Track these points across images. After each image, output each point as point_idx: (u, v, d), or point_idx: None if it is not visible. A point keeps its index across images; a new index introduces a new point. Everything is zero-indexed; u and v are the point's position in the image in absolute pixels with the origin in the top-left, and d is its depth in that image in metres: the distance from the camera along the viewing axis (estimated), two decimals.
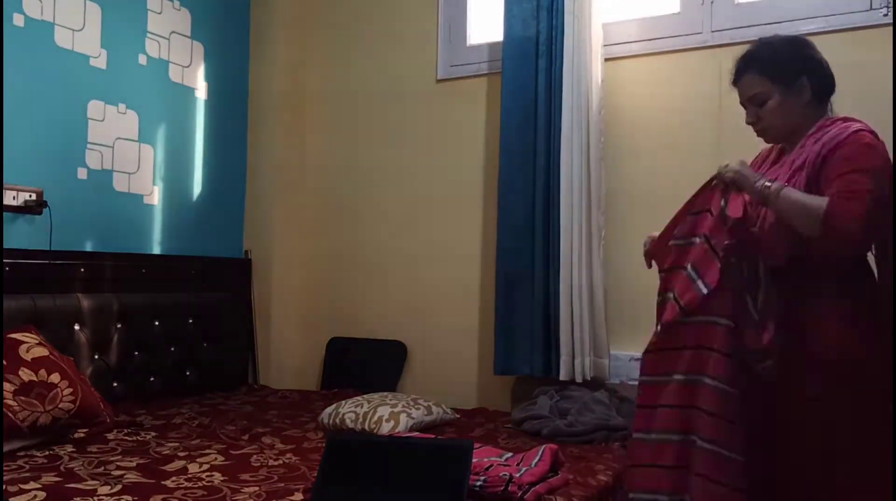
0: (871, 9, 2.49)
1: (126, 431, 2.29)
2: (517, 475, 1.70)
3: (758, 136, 1.85)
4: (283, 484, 1.79)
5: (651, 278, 2.78)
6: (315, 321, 3.53)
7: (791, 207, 1.61)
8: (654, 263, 1.87)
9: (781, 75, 1.74)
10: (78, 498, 1.64)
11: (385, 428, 2.32)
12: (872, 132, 1.66)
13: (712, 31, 2.74)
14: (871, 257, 1.73)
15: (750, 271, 1.68)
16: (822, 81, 1.76)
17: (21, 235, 2.57)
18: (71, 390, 2.17)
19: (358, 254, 3.46)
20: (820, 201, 1.57)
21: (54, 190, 2.66)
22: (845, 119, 1.72)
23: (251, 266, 3.47)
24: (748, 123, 1.83)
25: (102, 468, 1.89)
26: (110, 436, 2.22)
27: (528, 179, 2.87)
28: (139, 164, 3.03)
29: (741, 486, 1.59)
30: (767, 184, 1.64)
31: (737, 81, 1.82)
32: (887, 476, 1.57)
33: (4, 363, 2.10)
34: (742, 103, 1.84)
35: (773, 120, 1.77)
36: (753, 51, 1.80)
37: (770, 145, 1.92)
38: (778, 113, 1.76)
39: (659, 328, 1.72)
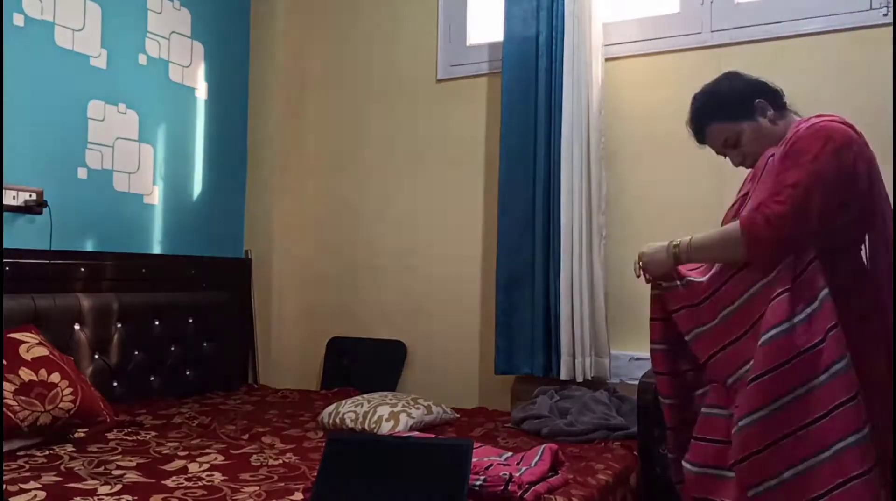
0: (871, 9, 2.49)
1: (126, 431, 2.29)
2: (517, 474, 1.70)
3: (748, 168, 1.87)
4: (283, 484, 1.79)
5: None
6: (315, 321, 3.54)
7: (709, 248, 1.69)
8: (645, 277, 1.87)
9: (739, 110, 1.79)
10: (78, 498, 1.64)
11: (385, 428, 2.32)
12: (837, 121, 1.66)
13: (712, 31, 2.74)
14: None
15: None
16: (772, 96, 1.81)
17: (21, 235, 2.57)
18: (71, 389, 2.17)
19: (358, 254, 3.46)
20: (733, 226, 1.63)
21: (54, 190, 2.66)
22: (819, 116, 1.71)
23: (251, 266, 3.47)
24: (736, 165, 1.87)
25: (102, 467, 1.89)
26: (110, 436, 2.22)
27: (528, 179, 2.87)
28: (139, 164, 3.03)
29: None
30: (675, 244, 1.73)
31: (702, 138, 1.88)
32: (887, 473, 1.57)
33: (4, 362, 2.10)
34: (718, 152, 1.89)
35: (755, 148, 1.80)
36: (700, 106, 1.86)
37: None
38: (755, 141, 1.79)
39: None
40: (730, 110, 1.80)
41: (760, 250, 1.60)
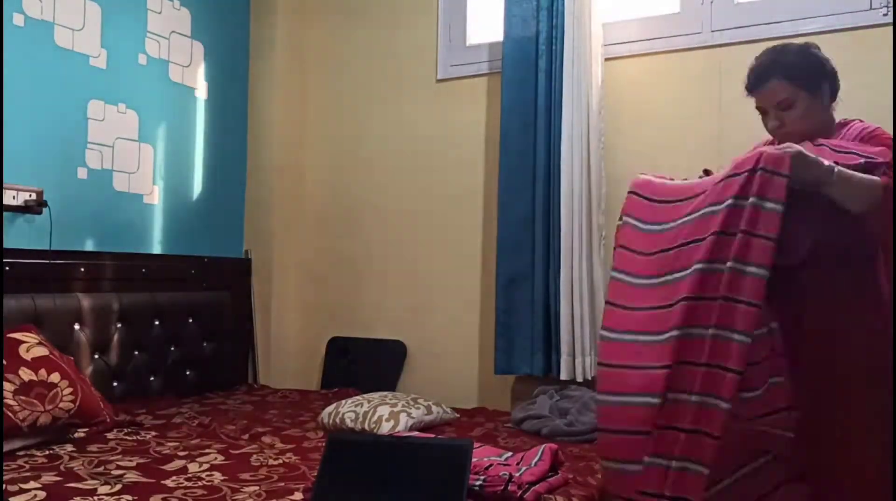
0: (870, 9, 2.50)
1: (126, 431, 2.28)
2: (517, 474, 1.70)
3: (778, 141, 1.81)
4: (283, 484, 1.79)
5: None
6: (315, 321, 3.54)
7: (853, 184, 1.56)
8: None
9: (807, 81, 1.75)
10: (78, 498, 1.64)
11: (385, 428, 2.32)
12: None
13: (712, 31, 2.74)
14: None
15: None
16: (835, 86, 1.80)
17: (21, 235, 2.57)
18: (71, 389, 2.17)
19: (358, 254, 3.46)
20: (871, 178, 1.58)
21: (54, 190, 2.66)
22: (860, 121, 1.77)
23: (251, 266, 3.47)
24: (771, 128, 1.81)
25: (102, 467, 1.89)
26: (110, 436, 2.22)
27: (528, 179, 2.87)
28: (139, 164, 3.03)
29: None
30: (838, 170, 1.56)
31: (757, 86, 1.80)
32: (887, 476, 1.57)
33: (4, 362, 2.10)
34: (762, 109, 1.82)
35: (798, 125, 1.76)
36: (776, 57, 1.79)
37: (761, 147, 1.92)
38: (804, 118, 1.76)
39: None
40: (802, 74, 1.75)
41: (878, 217, 1.58)
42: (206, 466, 1.93)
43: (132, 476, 1.81)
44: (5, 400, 2.02)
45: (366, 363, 3.35)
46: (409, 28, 3.38)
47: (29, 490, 1.66)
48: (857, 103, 1.95)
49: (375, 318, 3.40)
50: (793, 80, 1.76)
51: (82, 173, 2.80)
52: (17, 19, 2.57)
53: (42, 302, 2.50)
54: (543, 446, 1.91)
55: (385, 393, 2.60)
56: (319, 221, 3.57)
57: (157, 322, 2.91)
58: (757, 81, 1.80)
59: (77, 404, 2.16)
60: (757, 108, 1.84)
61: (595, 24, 2.79)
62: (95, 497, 1.65)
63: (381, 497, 1.56)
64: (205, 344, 3.11)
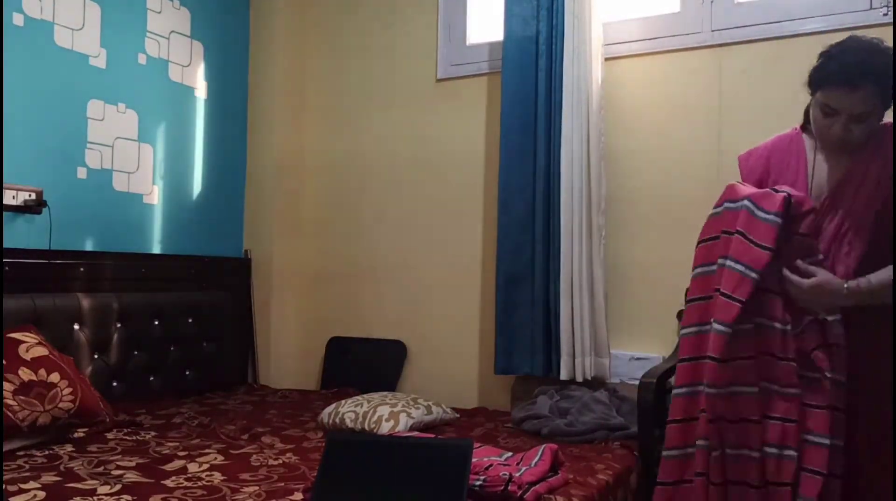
0: (871, 8, 2.49)
1: (126, 431, 2.29)
2: (517, 474, 1.70)
3: (831, 145, 1.67)
4: (282, 484, 1.79)
5: (651, 277, 2.80)
6: (315, 321, 3.53)
7: (871, 292, 1.58)
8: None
9: (888, 94, 1.56)
10: (78, 498, 1.64)
11: (385, 428, 2.32)
12: None
13: (712, 31, 2.74)
14: None
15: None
16: None
17: (21, 235, 2.57)
18: (70, 389, 2.17)
19: (358, 254, 3.46)
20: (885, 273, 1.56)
21: (54, 190, 2.66)
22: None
23: (251, 266, 3.47)
24: (833, 133, 1.61)
25: (102, 467, 1.89)
26: (110, 436, 2.22)
27: (528, 179, 2.87)
28: (139, 163, 3.03)
29: None
30: (850, 286, 1.57)
31: (845, 86, 1.55)
32: (888, 475, 1.56)
33: (4, 362, 2.10)
34: (830, 108, 1.60)
35: (863, 140, 1.60)
36: (870, 58, 1.55)
37: (767, 145, 1.90)
38: (868, 132, 1.59)
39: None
40: (888, 85, 1.52)
41: None
42: (205, 466, 1.93)
43: (132, 476, 1.81)
44: (5, 400, 2.02)
45: (366, 363, 3.35)
46: (408, 28, 3.38)
47: (29, 490, 1.66)
48: None
49: (375, 318, 3.39)
50: (880, 90, 1.54)
51: (82, 173, 2.80)
52: (17, 19, 2.57)
53: (42, 302, 2.50)
54: (543, 446, 1.91)
55: (385, 393, 2.60)
56: (319, 220, 3.57)
57: (156, 322, 2.91)
58: (845, 80, 1.55)
59: (77, 404, 2.16)
60: (824, 105, 1.60)
61: (595, 23, 2.79)
62: (95, 497, 1.65)
63: (380, 497, 1.56)
64: (205, 344, 3.11)
